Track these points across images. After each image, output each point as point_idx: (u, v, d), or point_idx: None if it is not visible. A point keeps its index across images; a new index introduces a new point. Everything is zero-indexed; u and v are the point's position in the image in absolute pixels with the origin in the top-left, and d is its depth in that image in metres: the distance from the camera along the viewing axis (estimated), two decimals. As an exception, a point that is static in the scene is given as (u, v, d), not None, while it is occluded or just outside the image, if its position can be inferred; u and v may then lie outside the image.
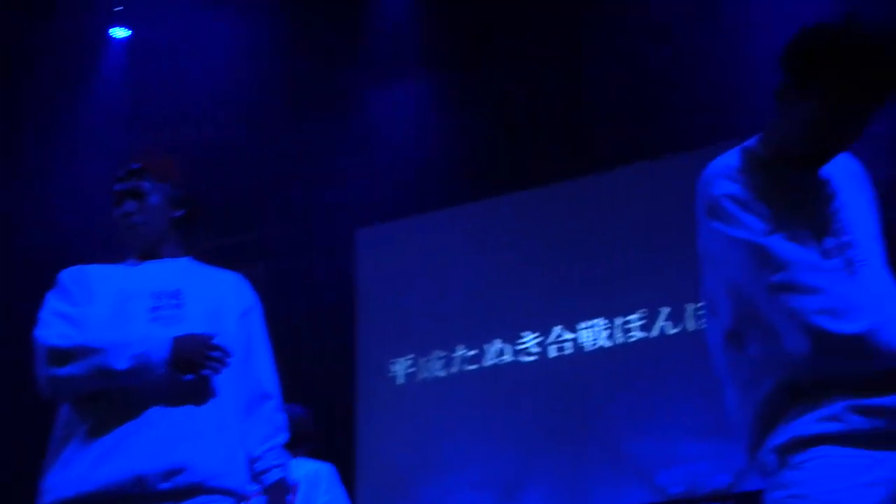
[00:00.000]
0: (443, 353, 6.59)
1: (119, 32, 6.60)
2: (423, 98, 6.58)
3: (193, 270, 2.27)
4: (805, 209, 1.89)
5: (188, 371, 2.03)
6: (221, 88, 6.20)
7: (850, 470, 1.72)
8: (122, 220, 2.20)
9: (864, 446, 1.74)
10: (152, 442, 1.98)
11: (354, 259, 7.16)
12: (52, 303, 2.13)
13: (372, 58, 6.41)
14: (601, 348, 6.17)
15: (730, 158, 1.94)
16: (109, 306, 2.11)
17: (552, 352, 6.32)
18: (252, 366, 2.26)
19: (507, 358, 6.42)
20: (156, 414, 2.03)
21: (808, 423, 1.77)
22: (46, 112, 6.38)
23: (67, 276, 2.18)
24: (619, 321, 6.12)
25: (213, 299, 2.23)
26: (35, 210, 6.35)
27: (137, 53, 6.44)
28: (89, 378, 2.00)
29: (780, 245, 1.80)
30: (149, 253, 2.22)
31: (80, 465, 1.98)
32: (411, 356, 6.70)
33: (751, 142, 1.99)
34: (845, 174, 2.00)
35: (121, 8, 6.37)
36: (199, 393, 2.08)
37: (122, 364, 1.99)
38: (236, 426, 2.13)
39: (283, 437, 2.31)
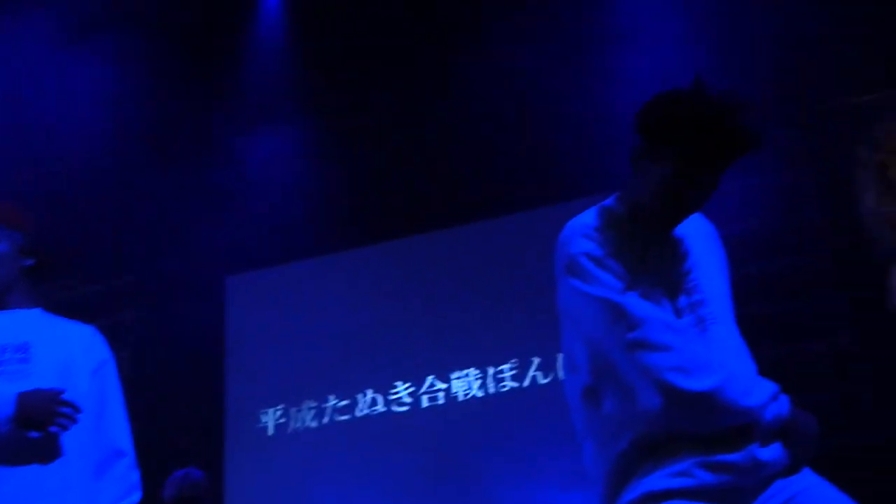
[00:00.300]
0: (314, 404, 6.52)
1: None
2: (295, 146, 6.58)
3: (43, 322, 2.19)
4: (659, 268, 1.95)
5: (34, 428, 1.95)
6: (88, 134, 6.05)
7: None
8: None
9: (711, 500, 1.79)
10: None
11: (224, 307, 7.07)
12: None
13: (243, 105, 6.38)
14: (474, 398, 6.20)
15: (587, 217, 1.99)
16: None
17: (425, 402, 6.32)
18: (105, 422, 2.19)
19: (380, 408, 6.38)
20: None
21: (660, 479, 1.81)
22: None
23: None
24: (491, 371, 6.17)
25: (64, 353, 2.15)
26: None
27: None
28: None
29: (635, 303, 1.85)
30: None
31: None
32: (281, 406, 6.61)
33: (609, 201, 2.05)
34: (697, 234, 2.07)
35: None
36: (46, 451, 2.01)
37: None
38: (85, 486, 2.06)
39: (136, 497, 2.24)
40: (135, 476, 2.26)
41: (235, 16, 6.35)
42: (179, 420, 6.19)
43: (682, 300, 1.94)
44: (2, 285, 2.18)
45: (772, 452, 1.83)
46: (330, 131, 6.48)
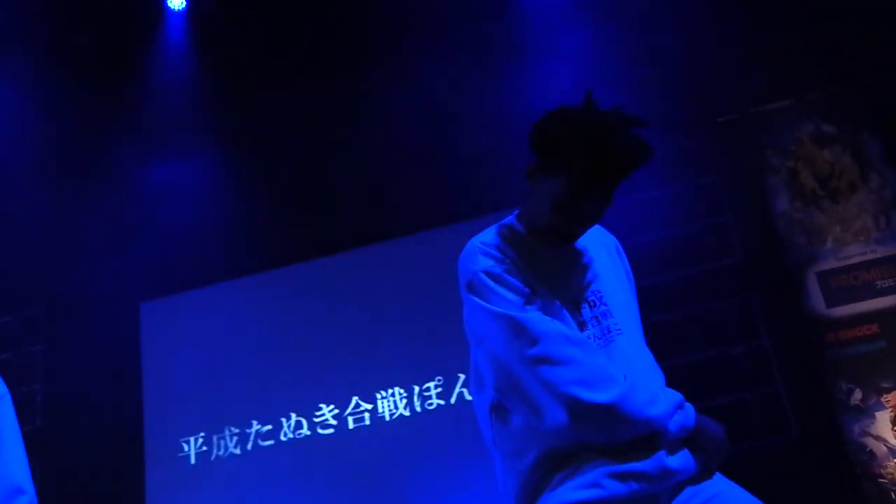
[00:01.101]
0: (236, 430, 6.45)
1: None
2: (205, 169, 6.51)
3: None
4: (560, 282, 1.99)
5: None
6: None
7: None
8: None
9: None
10: None
11: (139, 335, 6.93)
12: None
13: (149, 129, 6.29)
14: (401, 417, 6.19)
15: (487, 235, 2.02)
16: None
17: (351, 423, 6.29)
18: (2, 461, 2.13)
19: (305, 431, 6.34)
20: None
21: (569, 491, 1.84)
22: None
23: None
24: (416, 389, 6.17)
25: None
26: None
27: None
28: None
29: (535, 318, 1.88)
30: None
31: None
32: (202, 434, 6.52)
33: (509, 218, 2.08)
34: (598, 246, 2.11)
35: None
36: None
37: None
38: None
39: None
40: None
41: (137, 37, 6.26)
42: (98, 451, 6.09)
43: (585, 312, 1.97)
44: None
45: (680, 460, 1.87)
46: (238, 154, 6.44)
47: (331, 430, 6.30)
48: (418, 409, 6.16)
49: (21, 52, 5.75)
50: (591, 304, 1.99)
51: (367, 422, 6.25)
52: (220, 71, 6.23)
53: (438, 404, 6.12)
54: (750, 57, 5.26)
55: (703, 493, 1.89)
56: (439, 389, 6.12)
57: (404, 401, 6.18)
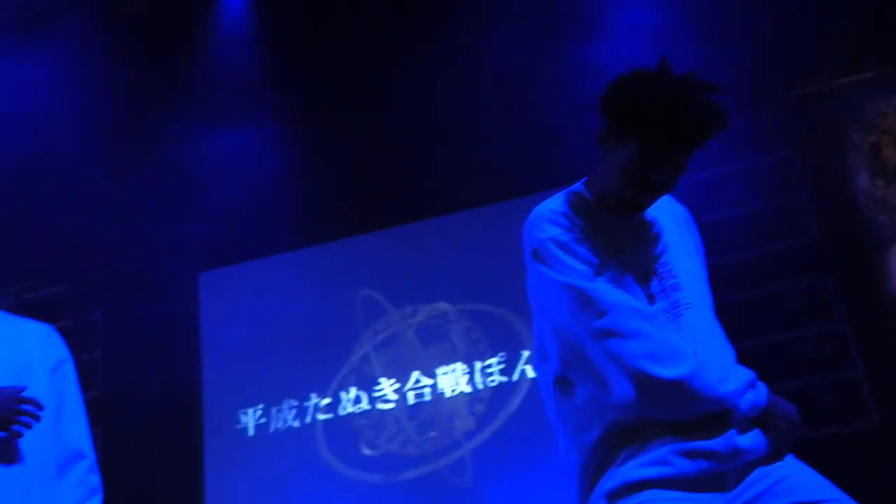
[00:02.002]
0: (295, 402, 6.54)
1: None
2: (264, 140, 6.61)
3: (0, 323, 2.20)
4: (629, 252, 1.96)
5: None
6: (46, 133, 6.06)
7: None
8: None
9: (691, 489, 1.80)
10: None
11: (197, 305, 7.08)
12: None
13: (210, 98, 6.39)
14: (461, 393, 6.22)
15: (554, 202, 2.00)
16: None
17: (411, 398, 6.35)
18: (64, 424, 2.19)
19: (364, 406, 6.41)
20: None
21: (637, 468, 1.82)
22: None
23: None
24: (478, 365, 6.19)
25: (21, 353, 2.16)
26: None
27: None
28: None
29: (603, 290, 1.85)
30: None
31: None
32: (261, 406, 6.64)
33: (576, 186, 2.05)
34: (670, 217, 2.08)
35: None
36: (6, 453, 2.00)
37: None
38: (45, 488, 2.06)
39: (97, 500, 2.24)
40: (95, 479, 2.25)
41: (194, 5, 6.38)
42: (156, 421, 6.22)
43: (655, 285, 1.94)
44: None
45: (751, 439, 1.85)
46: (297, 127, 6.52)
47: (391, 405, 6.36)
48: (479, 385, 6.18)
49: (78, 19, 5.88)
50: (661, 276, 1.96)
51: (428, 397, 6.29)
52: (278, 43, 6.32)
53: (500, 381, 6.13)
54: (829, 27, 5.16)
55: (774, 474, 1.86)
56: (502, 366, 6.13)
57: (466, 376, 6.21)
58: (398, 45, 6.15)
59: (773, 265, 5.23)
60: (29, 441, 2.03)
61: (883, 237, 5.09)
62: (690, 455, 1.81)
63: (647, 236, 2.01)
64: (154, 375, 6.40)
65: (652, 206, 2.00)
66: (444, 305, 6.32)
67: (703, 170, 5.19)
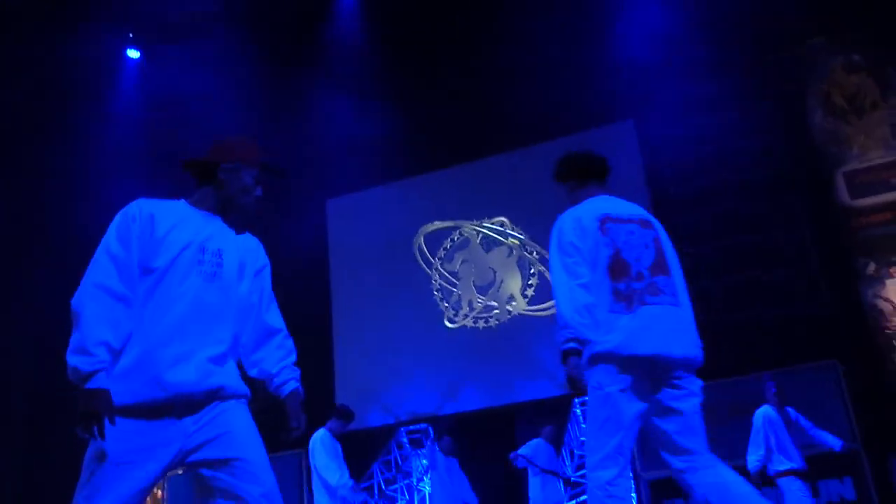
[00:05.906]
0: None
1: (132, 53, 8.20)
2: (383, 85, 7.97)
3: (227, 233, 2.59)
4: None
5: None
6: (216, 99, 7.65)
7: None
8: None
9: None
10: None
11: (326, 229, 8.56)
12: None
13: (329, 65, 8.04)
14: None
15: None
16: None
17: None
18: (264, 310, 2.67)
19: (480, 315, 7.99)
20: None
21: None
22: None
23: None
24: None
25: (241, 258, 2.60)
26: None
27: (149, 73, 8.17)
28: None
29: None
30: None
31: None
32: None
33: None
34: None
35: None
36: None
37: None
38: (257, 353, 2.58)
39: (293, 357, 2.70)
40: (290, 343, 2.70)
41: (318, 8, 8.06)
42: (297, 314, 7.87)
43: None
44: (249, 211, 2.58)
45: None
46: (399, 85, 8.04)
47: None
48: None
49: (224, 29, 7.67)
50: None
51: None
52: (390, 32, 7.93)
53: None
54: (794, 6, 6.86)
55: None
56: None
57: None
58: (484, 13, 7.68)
59: (752, 184, 7.11)
60: (243, 321, 2.52)
61: (833, 162, 6.88)
62: None
63: None
64: (287, 294, 7.92)
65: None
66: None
67: (690, 116, 7.03)
